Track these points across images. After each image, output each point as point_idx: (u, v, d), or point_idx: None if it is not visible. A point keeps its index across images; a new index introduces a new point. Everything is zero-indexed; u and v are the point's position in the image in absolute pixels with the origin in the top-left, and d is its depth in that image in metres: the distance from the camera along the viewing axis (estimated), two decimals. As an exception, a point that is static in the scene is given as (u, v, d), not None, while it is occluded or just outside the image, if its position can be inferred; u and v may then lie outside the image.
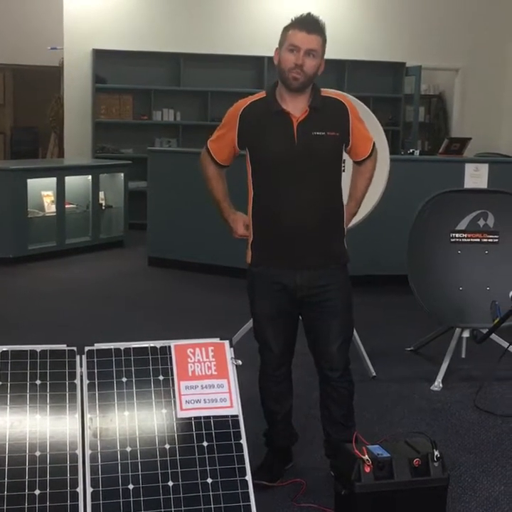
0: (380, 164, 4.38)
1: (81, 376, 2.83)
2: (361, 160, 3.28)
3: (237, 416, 2.88)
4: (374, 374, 4.70)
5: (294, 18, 3.07)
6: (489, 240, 4.88)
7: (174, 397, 2.86)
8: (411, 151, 9.48)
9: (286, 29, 3.08)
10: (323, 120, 3.11)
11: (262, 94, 3.23)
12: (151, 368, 2.89)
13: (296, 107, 3.11)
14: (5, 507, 2.55)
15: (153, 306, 6.38)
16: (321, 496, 3.20)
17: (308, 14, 3.08)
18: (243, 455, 2.81)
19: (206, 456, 2.78)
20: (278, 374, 3.34)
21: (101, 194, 8.91)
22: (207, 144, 3.36)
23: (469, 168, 5.55)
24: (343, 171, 3.28)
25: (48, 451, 2.67)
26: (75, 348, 2.88)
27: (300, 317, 3.31)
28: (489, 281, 4.80)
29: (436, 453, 2.92)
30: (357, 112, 3.22)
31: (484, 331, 4.64)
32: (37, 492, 2.59)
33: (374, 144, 3.30)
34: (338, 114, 3.16)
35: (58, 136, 11.39)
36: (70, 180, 8.46)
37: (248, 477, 2.78)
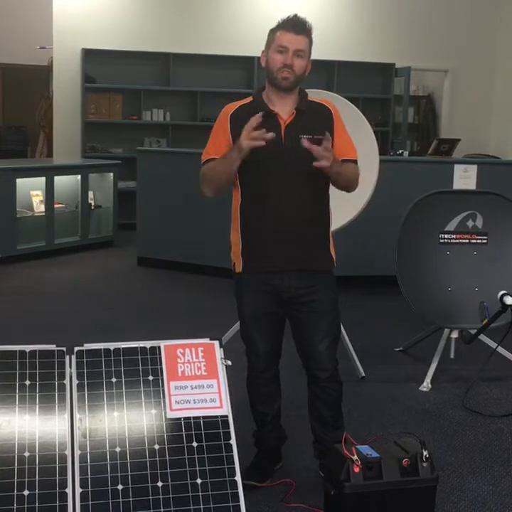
0: (369, 165, 4.41)
1: (70, 376, 2.83)
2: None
3: (226, 416, 2.88)
4: (363, 374, 4.71)
5: (280, 20, 3.09)
6: (478, 241, 4.90)
7: (164, 397, 2.86)
8: (400, 151, 9.51)
9: (273, 31, 3.10)
10: (310, 123, 3.12)
11: (248, 99, 3.25)
12: (140, 368, 2.89)
13: (283, 109, 3.13)
14: (-6, 508, 2.55)
15: (142, 306, 6.37)
16: (310, 496, 3.20)
17: (295, 15, 3.09)
18: (233, 455, 2.82)
19: (196, 456, 2.78)
20: (266, 375, 3.34)
21: (90, 194, 8.89)
22: (203, 162, 3.20)
23: (458, 169, 5.55)
24: None
25: (37, 451, 2.67)
26: (64, 348, 2.88)
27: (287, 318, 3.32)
28: (478, 282, 4.82)
29: (425, 453, 2.93)
30: (341, 119, 3.21)
31: (473, 332, 4.66)
32: (26, 493, 2.59)
33: (355, 160, 3.21)
34: (323, 119, 3.17)
35: (47, 135, 11.36)
36: (59, 180, 8.43)
37: (238, 477, 2.79)
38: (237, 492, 2.76)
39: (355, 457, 2.87)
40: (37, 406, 2.75)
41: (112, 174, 9.05)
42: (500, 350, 4.78)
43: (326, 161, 2.94)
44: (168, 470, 2.73)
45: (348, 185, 3.22)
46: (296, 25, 3.06)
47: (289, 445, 3.54)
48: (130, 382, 2.86)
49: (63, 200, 8.66)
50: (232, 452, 2.82)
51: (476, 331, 4.61)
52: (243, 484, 2.81)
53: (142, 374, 2.89)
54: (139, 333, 5.23)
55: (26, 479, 2.61)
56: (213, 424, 2.85)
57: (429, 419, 4.14)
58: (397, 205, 5.20)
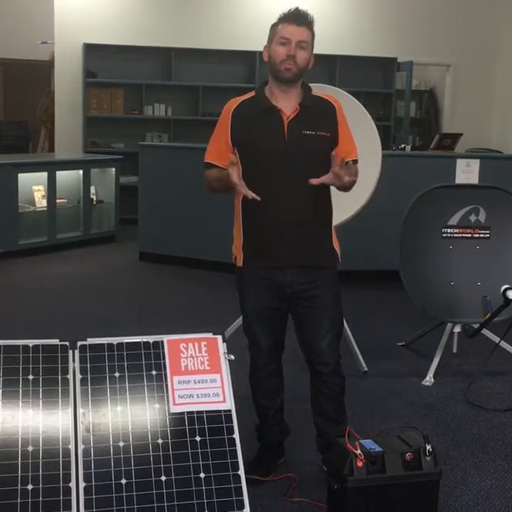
0: (372, 160, 4.41)
1: (74, 371, 2.83)
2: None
3: (229, 411, 2.88)
4: (366, 369, 4.71)
5: (282, 14, 3.08)
6: (480, 236, 4.90)
7: (167, 391, 2.86)
8: (402, 146, 9.50)
9: (275, 25, 3.10)
10: (314, 119, 3.12)
11: (251, 93, 3.24)
12: (143, 362, 2.89)
13: (287, 104, 3.12)
14: (-2, 502, 2.55)
15: (144, 301, 6.37)
16: (313, 491, 3.20)
17: (297, 8, 3.09)
18: (236, 450, 2.82)
19: (199, 450, 2.78)
20: (268, 370, 3.34)
21: (92, 189, 8.89)
22: (204, 163, 3.23)
23: (461, 163, 5.55)
24: None
25: (40, 446, 2.67)
26: (67, 343, 2.87)
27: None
28: (480, 277, 4.82)
29: (428, 447, 2.93)
30: (344, 116, 3.20)
31: (475, 326, 4.66)
32: (30, 487, 2.59)
33: (356, 161, 3.22)
34: (327, 115, 3.16)
35: (49, 130, 11.36)
36: (61, 175, 8.44)
37: (241, 472, 2.79)
38: (241, 486, 2.76)
39: (359, 451, 2.87)
40: (40, 400, 2.75)
41: (113, 169, 9.05)
42: (503, 344, 4.77)
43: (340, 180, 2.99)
44: (172, 464, 2.73)
45: (349, 188, 3.22)
46: (297, 17, 3.05)
47: (291, 439, 3.55)
48: (133, 376, 2.86)
49: (65, 195, 8.66)
50: (235, 446, 2.82)
51: (478, 325, 4.61)
52: (246, 479, 2.81)
53: (145, 369, 2.88)
54: (141, 328, 5.23)
55: (30, 474, 2.61)
56: (216, 419, 2.85)
57: (432, 413, 4.14)
58: (399, 199, 5.19)
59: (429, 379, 4.59)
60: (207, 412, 2.86)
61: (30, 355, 2.82)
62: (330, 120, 3.14)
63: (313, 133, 3.08)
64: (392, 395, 4.37)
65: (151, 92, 10.28)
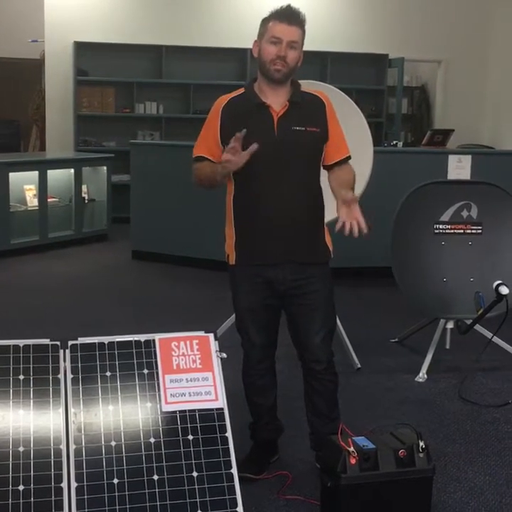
0: (363, 156, 4.40)
1: (65, 371, 2.81)
2: (333, 164, 3.17)
3: (222, 409, 2.87)
4: (359, 366, 4.70)
5: (273, 10, 3.06)
6: (473, 231, 4.90)
7: (159, 390, 2.85)
8: (394, 142, 9.49)
9: (266, 20, 3.07)
10: (303, 115, 3.11)
11: (240, 90, 3.22)
12: (135, 361, 2.88)
13: (276, 100, 3.11)
14: (-11, 503, 2.53)
15: (136, 300, 6.35)
16: (306, 488, 3.20)
17: (289, 6, 3.06)
18: (228, 448, 2.81)
19: (191, 449, 2.77)
20: (261, 367, 3.34)
21: (84, 187, 8.87)
22: (195, 157, 3.21)
23: (452, 159, 5.56)
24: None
25: (31, 446, 2.65)
26: (58, 343, 2.86)
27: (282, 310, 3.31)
28: (473, 273, 4.82)
29: (421, 444, 2.92)
30: (334, 111, 3.19)
31: (468, 322, 4.66)
32: (21, 488, 2.58)
33: (349, 157, 3.21)
34: (316, 110, 3.15)
35: (40, 129, 11.31)
36: (53, 174, 8.41)
37: (234, 470, 2.78)
38: (233, 485, 2.75)
39: (352, 449, 2.86)
40: (31, 400, 2.73)
41: (105, 167, 9.03)
42: (496, 340, 4.78)
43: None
44: (164, 463, 2.72)
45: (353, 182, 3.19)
46: (289, 16, 3.03)
47: (285, 437, 3.54)
48: (125, 375, 2.85)
49: (57, 194, 8.63)
50: (227, 445, 2.81)
51: (471, 321, 4.61)
52: (239, 477, 2.80)
53: (137, 367, 2.87)
54: (133, 327, 5.22)
55: (21, 474, 2.60)
56: (209, 417, 2.84)
57: (425, 409, 4.14)
58: (391, 196, 5.19)
59: (422, 375, 4.58)
60: (199, 410, 2.85)
61: (21, 355, 2.81)
62: (319, 116, 3.14)
63: (303, 129, 3.07)
64: (385, 392, 4.37)
65: (142, 90, 10.25)
